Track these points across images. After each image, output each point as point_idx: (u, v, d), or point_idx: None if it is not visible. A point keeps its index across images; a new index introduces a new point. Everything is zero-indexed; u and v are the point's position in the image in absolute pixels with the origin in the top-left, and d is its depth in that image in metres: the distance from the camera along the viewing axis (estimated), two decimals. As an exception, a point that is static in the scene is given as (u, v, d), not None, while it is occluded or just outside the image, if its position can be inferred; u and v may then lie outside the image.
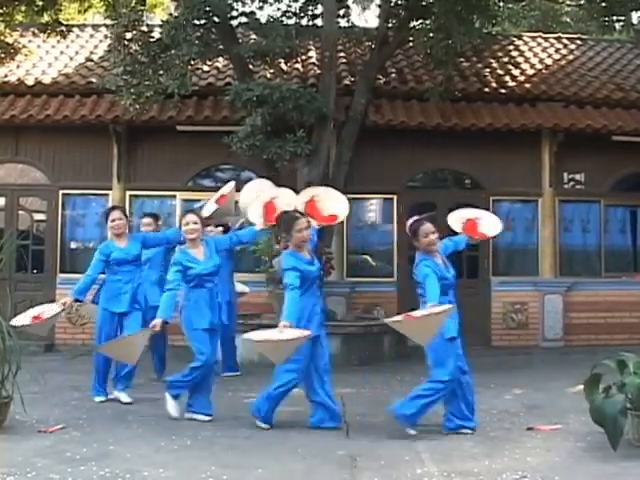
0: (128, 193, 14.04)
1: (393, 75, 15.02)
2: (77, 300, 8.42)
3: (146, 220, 10.15)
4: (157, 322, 7.30)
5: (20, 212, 14.19)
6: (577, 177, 14.72)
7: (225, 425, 7.18)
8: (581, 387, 6.78)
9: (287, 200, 8.00)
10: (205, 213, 8.36)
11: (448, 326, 6.70)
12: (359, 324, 11.81)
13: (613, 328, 13.82)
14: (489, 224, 7.88)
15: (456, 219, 7.85)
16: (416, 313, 6.64)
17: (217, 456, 6.00)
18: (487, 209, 14.03)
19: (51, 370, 8.24)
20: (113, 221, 8.49)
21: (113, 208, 8.94)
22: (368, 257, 14.30)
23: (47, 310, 7.90)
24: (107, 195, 13.87)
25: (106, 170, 14.00)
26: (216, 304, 7.63)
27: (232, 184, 9.03)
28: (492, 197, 14.27)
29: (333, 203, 8.04)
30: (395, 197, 14.25)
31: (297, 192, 12.28)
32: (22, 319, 7.58)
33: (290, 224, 7.25)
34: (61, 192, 14.02)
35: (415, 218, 7.22)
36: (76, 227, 14.10)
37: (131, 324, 8.24)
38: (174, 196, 13.98)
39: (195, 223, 7.65)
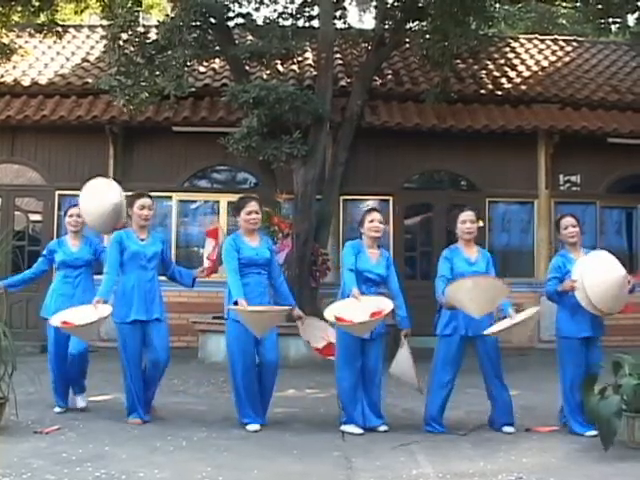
0: (124, 194, 14.02)
1: (389, 76, 15.05)
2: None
3: (75, 210, 8.14)
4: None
5: (16, 213, 14.21)
6: (573, 179, 14.75)
7: (221, 426, 7.16)
8: (577, 389, 6.80)
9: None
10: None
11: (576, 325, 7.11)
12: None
13: (608, 329, 13.74)
14: None
15: None
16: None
17: (213, 457, 5.99)
18: (483, 210, 14.16)
19: (47, 371, 8.18)
20: (250, 214, 7.22)
21: (249, 199, 7.45)
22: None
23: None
24: (103, 196, 13.84)
25: (102, 171, 13.91)
26: None
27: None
28: (488, 198, 14.30)
29: None
30: (391, 198, 14.27)
31: (292, 193, 12.42)
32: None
33: (455, 218, 7.28)
34: (57, 193, 14.03)
35: (562, 214, 7.65)
36: (72, 228, 14.08)
37: None
38: (170, 197, 13.99)
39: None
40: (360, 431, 6.90)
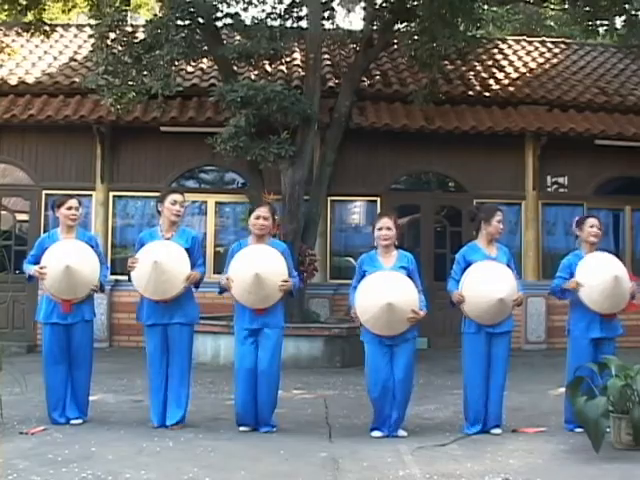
0: (111, 194, 14.02)
1: (377, 77, 15.06)
2: None
3: (73, 202, 7.22)
4: None
5: (3, 212, 14.16)
6: (560, 180, 14.81)
7: (208, 427, 7.15)
8: (563, 389, 6.81)
9: None
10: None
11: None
12: (342, 326, 11.80)
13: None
14: None
15: None
16: None
17: (199, 458, 5.98)
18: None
19: (33, 371, 8.14)
20: (258, 218, 6.98)
21: (261, 204, 7.34)
22: (351, 259, 14.28)
23: None
24: (90, 196, 13.81)
25: (89, 170, 13.97)
26: None
27: None
28: (475, 200, 14.30)
29: None
30: (379, 199, 14.29)
31: (280, 193, 12.40)
32: None
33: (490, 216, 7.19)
34: (44, 192, 13.95)
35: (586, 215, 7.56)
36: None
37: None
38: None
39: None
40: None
